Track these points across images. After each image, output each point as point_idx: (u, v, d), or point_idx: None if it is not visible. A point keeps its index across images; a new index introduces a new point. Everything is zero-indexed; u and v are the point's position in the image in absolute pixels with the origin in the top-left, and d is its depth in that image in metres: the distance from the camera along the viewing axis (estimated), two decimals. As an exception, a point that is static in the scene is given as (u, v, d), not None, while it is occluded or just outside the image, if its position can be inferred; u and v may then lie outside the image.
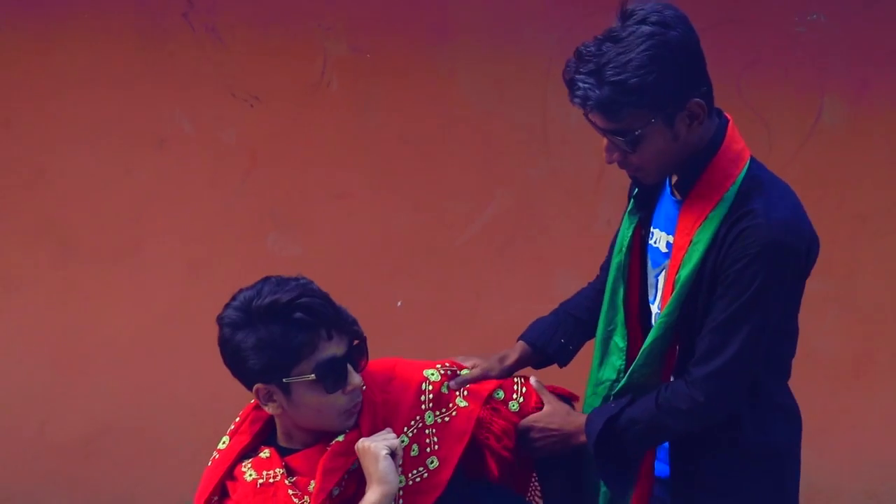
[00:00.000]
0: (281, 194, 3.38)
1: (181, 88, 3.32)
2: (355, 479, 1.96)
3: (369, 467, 1.91)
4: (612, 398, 2.03)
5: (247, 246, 3.35)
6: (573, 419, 2.03)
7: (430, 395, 2.07)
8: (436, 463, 2.03)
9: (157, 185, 3.39)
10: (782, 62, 3.17)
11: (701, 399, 1.85)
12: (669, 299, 1.91)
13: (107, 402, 3.48)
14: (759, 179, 1.87)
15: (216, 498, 2.01)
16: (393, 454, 1.91)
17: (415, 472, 2.03)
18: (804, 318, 3.14)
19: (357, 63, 3.28)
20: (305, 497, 1.93)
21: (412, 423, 2.03)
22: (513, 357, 2.15)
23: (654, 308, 2.00)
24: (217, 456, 2.05)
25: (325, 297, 1.95)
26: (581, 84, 1.79)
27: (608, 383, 2.06)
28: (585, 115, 1.85)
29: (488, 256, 3.35)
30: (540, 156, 3.16)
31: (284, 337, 1.88)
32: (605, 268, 2.18)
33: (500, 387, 2.12)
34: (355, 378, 1.94)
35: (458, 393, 2.10)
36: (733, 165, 1.86)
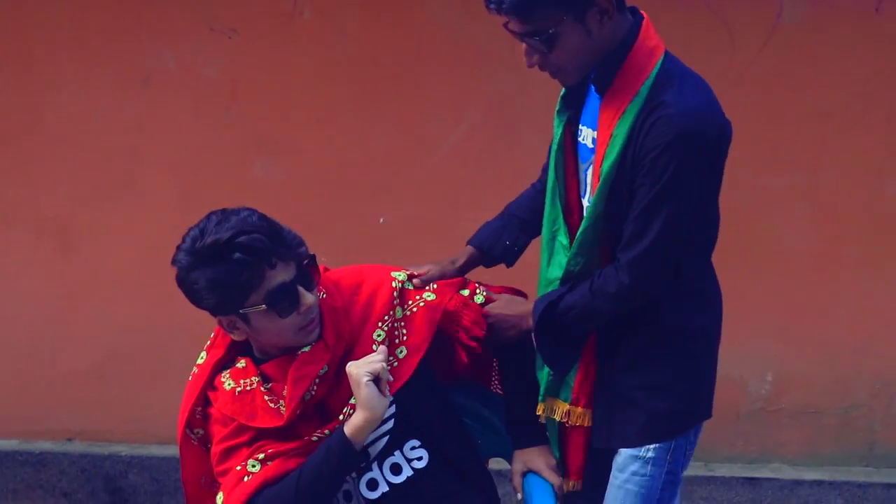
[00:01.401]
0: (263, 123, 3.40)
1: (162, 26, 3.34)
2: (327, 383, 2.04)
3: (354, 391, 1.97)
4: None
5: (234, 173, 3.38)
6: (524, 306, 2.13)
7: (399, 293, 2.15)
8: (404, 352, 2.11)
9: (145, 120, 3.42)
10: None
11: (627, 281, 1.94)
12: (595, 191, 1.97)
13: (111, 329, 3.57)
14: (671, 73, 1.92)
15: (199, 408, 2.10)
16: (377, 379, 1.96)
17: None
18: (769, 213, 3.27)
19: None
20: (280, 402, 2.02)
21: (385, 318, 2.10)
22: (462, 259, 2.26)
23: (585, 202, 2.06)
24: (196, 370, 2.14)
25: (264, 229, 1.96)
26: None
27: (557, 281, 2.12)
28: (505, 25, 1.91)
29: (463, 171, 3.35)
30: (509, 73, 3.14)
31: (230, 274, 1.93)
32: (545, 168, 2.24)
33: (465, 286, 2.21)
34: (307, 298, 1.99)
35: (427, 288, 2.18)
36: (647, 60, 1.91)
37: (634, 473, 2.07)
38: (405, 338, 2.12)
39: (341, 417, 2.02)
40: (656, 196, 1.89)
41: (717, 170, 1.96)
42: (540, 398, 2.18)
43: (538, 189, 2.26)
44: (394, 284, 2.14)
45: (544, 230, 2.16)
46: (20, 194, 3.52)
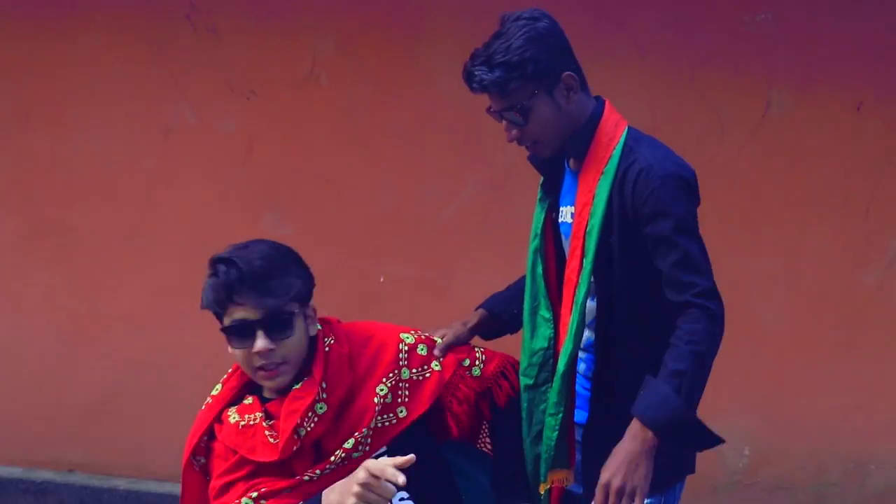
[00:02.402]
0: (275, 179, 3.51)
1: (185, 83, 3.47)
2: (325, 423, 2.06)
3: (345, 490, 1.91)
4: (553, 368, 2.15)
5: (244, 225, 3.39)
6: (626, 445, 1.97)
7: (406, 355, 2.19)
8: (404, 413, 2.14)
9: (163, 170, 3.54)
10: (733, 58, 3.22)
11: (713, 306, 1.97)
12: (585, 247, 2.09)
13: (117, 367, 3.65)
14: (638, 137, 2.13)
15: (205, 438, 2.13)
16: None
17: (385, 416, 2.13)
18: (751, 294, 3.30)
19: (343, 60, 3.41)
20: (278, 437, 2.03)
21: (391, 375, 2.14)
22: (473, 321, 2.33)
23: (566, 271, 2.16)
24: (210, 401, 2.17)
25: (252, 267, 1.99)
26: (476, 73, 2.08)
27: (541, 352, 2.22)
28: (488, 109, 2.12)
29: (462, 236, 3.44)
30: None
31: (208, 290, 2.03)
32: None
33: (467, 356, 2.26)
34: (260, 343, 2.00)
35: (435, 357, 2.22)
36: (615, 130, 2.13)
37: None
38: (407, 400, 2.16)
39: (332, 459, 2.05)
40: (675, 228, 1.99)
41: (696, 209, 2.08)
42: (542, 478, 2.20)
43: None
44: (400, 346, 2.19)
45: (526, 305, 2.25)
46: (38, 231, 3.63)
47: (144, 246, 3.60)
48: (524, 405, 2.27)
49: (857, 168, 3.24)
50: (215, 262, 2.04)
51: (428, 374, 2.21)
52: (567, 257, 2.19)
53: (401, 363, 2.18)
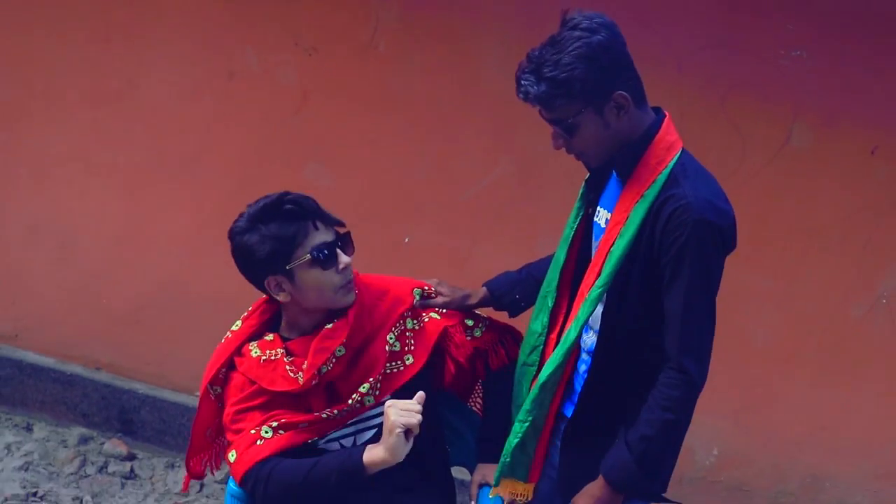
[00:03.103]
0: (323, 133, 3.57)
1: (254, 32, 3.58)
2: (343, 363, 2.17)
3: (385, 432, 2.03)
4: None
5: (288, 171, 3.55)
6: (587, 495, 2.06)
7: (411, 308, 2.33)
8: (411, 360, 2.26)
9: (222, 109, 3.65)
10: (763, 88, 3.25)
11: (694, 370, 1.96)
12: (604, 267, 2.03)
13: (156, 281, 3.78)
14: (687, 166, 2.02)
15: (224, 370, 2.24)
16: (408, 432, 2.00)
17: (393, 363, 2.25)
18: (745, 308, 3.38)
19: (403, 32, 3.47)
20: (300, 372, 2.16)
21: (398, 324, 2.27)
22: (474, 299, 2.39)
23: (584, 278, 2.14)
24: (230, 335, 2.28)
25: (312, 199, 2.16)
26: (523, 82, 2.00)
27: (535, 335, 2.24)
28: (539, 111, 2.05)
29: (488, 212, 3.49)
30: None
31: (280, 229, 2.11)
32: None
33: (471, 318, 2.38)
34: (344, 257, 2.15)
35: (436, 310, 2.33)
36: (666, 152, 2.02)
37: None
38: (413, 348, 2.27)
39: (350, 402, 2.14)
40: (689, 286, 1.94)
41: (724, 259, 2.04)
42: (494, 482, 2.24)
43: None
44: (413, 303, 2.32)
45: (543, 287, 2.26)
46: (102, 146, 3.75)
47: (195, 177, 3.70)
48: (516, 376, 2.31)
49: (862, 207, 3.29)
50: (283, 201, 2.12)
51: (426, 320, 2.32)
52: (590, 263, 2.14)
53: (406, 313, 2.30)
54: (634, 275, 2.03)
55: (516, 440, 2.17)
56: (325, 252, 2.13)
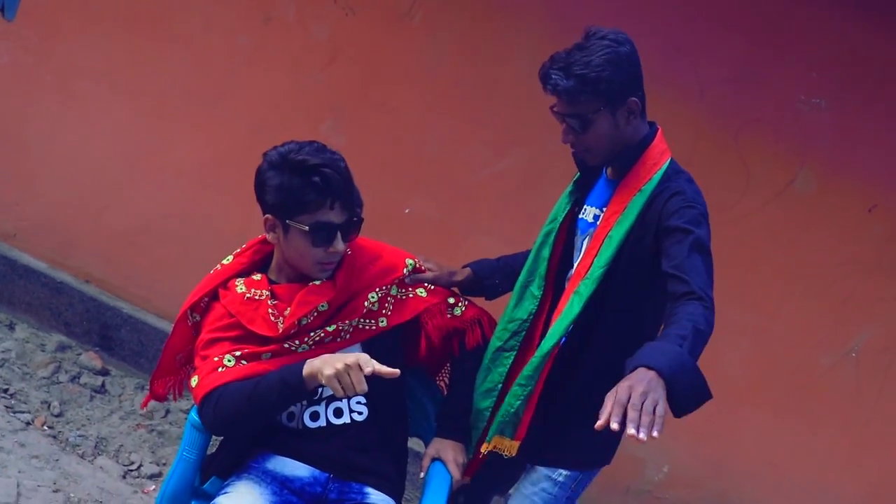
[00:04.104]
0: (346, 92, 3.57)
1: None
2: (322, 318, 2.20)
3: (340, 355, 2.01)
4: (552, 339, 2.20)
5: (307, 123, 3.56)
6: (637, 375, 1.83)
7: (400, 278, 2.35)
8: (384, 323, 2.28)
9: (252, 52, 3.66)
10: (778, 128, 3.27)
11: (710, 304, 1.99)
12: (601, 250, 2.18)
13: (157, 205, 3.78)
14: (678, 170, 2.27)
15: (206, 299, 2.24)
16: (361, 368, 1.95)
17: (368, 320, 2.26)
18: (720, 337, 3.19)
19: (441, 7, 3.48)
20: (280, 318, 2.16)
21: (384, 287, 2.29)
22: (459, 277, 2.50)
23: (575, 263, 2.30)
24: (219, 268, 2.28)
25: (346, 176, 2.12)
26: (553, 76, 2.18)
27: (519, 322, 2.37)
28: (552, 108, 2.22)
29: (490, 198, 3.51)
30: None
31: (300, 190, 2.09)
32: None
33: (453, 296, 2.44)
34: (339, 245, 2.14)
35: (425, 286, 2.36)
36: (659, 157, 2.26)
37: (543, 490, 2.34)
38: (389, 313, 2.29)
39: (312, 334, 2.12)
40: (696, 239, 2.05)
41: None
42: (487, 438, 2.31)
43: None
44: (405, 271, 2.34)
45: (520, 278, 2.40)
46: (131, 69, 3.75)
47: (216, 113, 3.71)
48: (485, 362, 2.41)
49: (851, 261, 3.31)
50: (317, 166, 2.06)
51: (411, 296, 2.35)
52: (579, 253, 2.32)
53: (395, 281, 2.31)
54: (623, 260, 2.18)
55: (517, 402, 2.25)
56: (325, 232, 2.13)
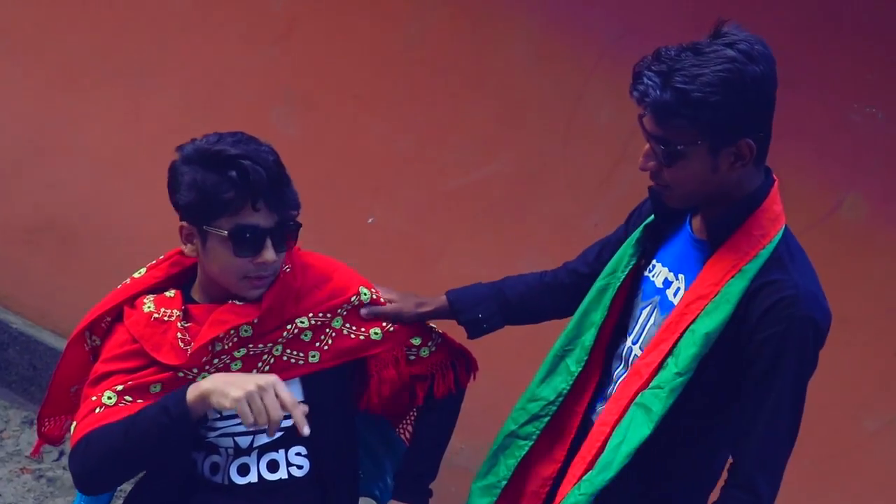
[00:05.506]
0: (300, 72, 3.41)
1: None
2: (242, 343, 2.06)
3: (246, 378, 1.90)
4: None
5: (249, 111, 3.47)
6: None
7: (350, 308, 2.16)
8: (316, 358, 2.12)
9: (189, 17, 3.54)
10: (825, 140, 3.10)
11: (765, 491, 1.84)
12: (678, 347, 1.88)
13: (61, 196, 3.64)
14: (791, 247, 1.88)
15: (108, 318, 2.10)
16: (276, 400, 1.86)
17: (295, 352, 2.12)
18: None
19: None
20: (190, 345, 2.01)
21: (320, 315, 2.13)
22: (429, 307, 2.21)
23: (630, 342, 2.01)
24: (128, 282, 2.15)
25: (273, 171, 1.98)
26: (646, 80, 1.78)
27: (543, 403, 2.11)
28: (640, 117, 1.84)
29: (470, 211, 3.36)
30: (556, 143, 3.17)
31: (215, 187, 1.95)
32: (566, 267, 2.21)
33: (419, 335, 2.23)
34: (269, 254, 2.00)
35: (383, 324, 2.19)
36: (772, 225, 1.86)
37: None
38: (326, 348, 2.14)
39: (215, 361, 2.02)
40: (783, 390, 1.81)
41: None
42: None
43: (544, 281, 2.23)
44: (353, 299, 2.17)
45: (556, 345, 2.12)
46: (41, 33, 3.64)
47: (143, 89, 3.65)
48: (493, 447, 2.20)
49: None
50: (235, 158, 1.96)
51: (361, 337, 2.19)
52: (636, 323, 2.03)
53: (339, 311, 2.17)
54: (711, 364, 1.87)
55: None
56: (248, 237, 1.99)
